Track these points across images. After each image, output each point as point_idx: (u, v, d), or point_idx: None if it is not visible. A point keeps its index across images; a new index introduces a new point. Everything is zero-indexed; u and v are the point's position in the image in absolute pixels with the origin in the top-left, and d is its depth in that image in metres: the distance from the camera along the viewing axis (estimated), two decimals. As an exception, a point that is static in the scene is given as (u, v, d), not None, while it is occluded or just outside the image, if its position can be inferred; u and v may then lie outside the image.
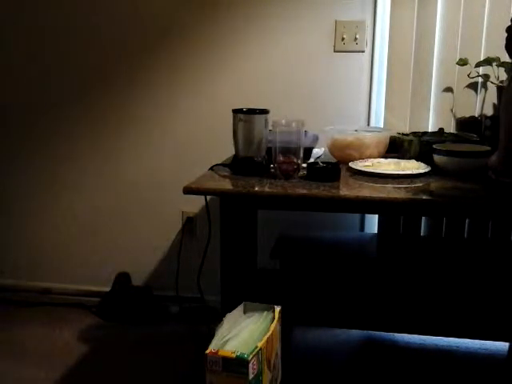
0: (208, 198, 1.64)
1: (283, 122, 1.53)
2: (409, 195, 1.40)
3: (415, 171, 1.57)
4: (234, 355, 1.03)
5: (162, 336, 2.17)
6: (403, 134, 1.85)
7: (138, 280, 2.38)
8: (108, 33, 2.23)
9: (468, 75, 1.95)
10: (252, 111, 1.58)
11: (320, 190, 1.42)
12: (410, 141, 1.76)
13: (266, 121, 1.59)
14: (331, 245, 2.01)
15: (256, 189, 1.45)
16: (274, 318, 1.18)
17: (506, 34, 1.42)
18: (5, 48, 2.32)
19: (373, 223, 2.17)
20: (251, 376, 1.04)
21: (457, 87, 2.01)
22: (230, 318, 1.17)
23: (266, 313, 1.21)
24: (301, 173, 1.53)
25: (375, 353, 2.04)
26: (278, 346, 1.19)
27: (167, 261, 2.33)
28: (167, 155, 2.27)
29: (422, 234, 2.09)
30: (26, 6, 2.26)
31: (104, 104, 2.29)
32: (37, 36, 2.28)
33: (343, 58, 2.07)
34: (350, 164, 1.64)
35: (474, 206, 1.42)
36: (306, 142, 1.63)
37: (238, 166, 1.62)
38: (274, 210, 1.61)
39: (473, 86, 2.00)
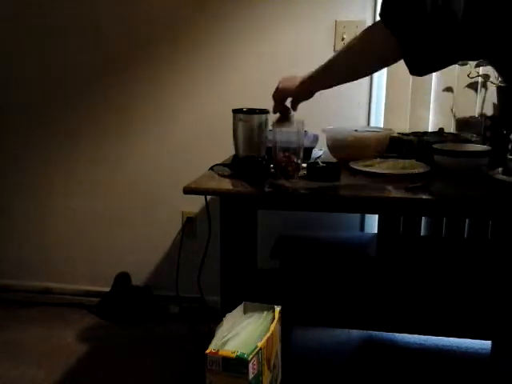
0: (208, 197, 1.64)
1: (283, 121, 1.53)
2: (409, 195, 1.40)
3: (415, 171, 1.57)
4: (233, 355, 1.03)
5: (162, 336, 2.17)
6: (403, 134, 1.85)
7: (138, 280, 2.38)
8: (108, 33, 2.23)
9: (468, 75, 1.95)
10: (252, 111, 1.58)
11: (320, 190, 1.42)
12: (410, 141, 1.76)
13: (266, 121, 1.59)
14: (331, 245, 2.01)
15: (256, 189, 1.45)
16: (274, 318, 1.18)
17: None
18: (5, 48, 2.32)
19: (373, 223, 2.17)
20: (251, 376, 1.04)
21: (457, 87, 2.01)
22: (229, 318, 1.17)
23: (265, 313, 1.21)
24: (301, 173, 1.53)
25: (375, 353, 2.04)
26: (278, 346, 1.19)
27: (167, 261, 2.33)
28: (167, 155, 2.27)
29: (422, 234, 2.09)
30: (26, 6, 2.26)
31: (104, 104, 2.29)
32: (37, 36, 2.28)
33: (343, 58, 2.06)
34: (350, 164, 1.64)
35: (474, 206, 1.42)
36: (306, 142, 1.63)
37: (238, 165, 1.62)
38: (274, 210, 1.61)
39: (473, 86, 2.00)
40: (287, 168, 1.51)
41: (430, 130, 2.03)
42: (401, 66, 1.18)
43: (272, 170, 1.57)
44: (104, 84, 2.27)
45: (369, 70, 1.43)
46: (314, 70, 1.38)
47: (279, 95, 1.50)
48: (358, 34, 1.26)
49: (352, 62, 1.30)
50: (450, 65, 1.19)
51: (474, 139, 1.76)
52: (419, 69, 1.18)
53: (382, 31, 1.14)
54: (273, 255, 1.91)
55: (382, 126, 2.08)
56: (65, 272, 2.45)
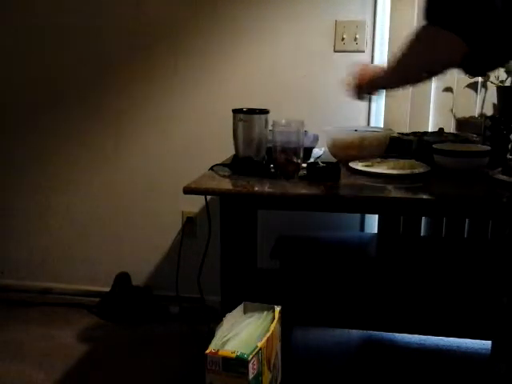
0: (208, 197, 1.64)
1: (283, 121, 1.53)
2: (409, 195, 1.40)
3: (415, 171, 1.57)
4: (233, 355, 1.03)
5: (162, 336, 2.17)
6: (403, 134, 1.85)
7: (138, 280, 2.38)
8: (108, 33, 2.23)
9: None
10: (252, 111, 1.58)
11: (320, 190, 1.42)
12: (410, 141, 1.76)
13: (266, 121, 1.59)
14: (331, 245, 2.01)
15: (256, 189, 1.45)
16: (274, 318, 1.18)
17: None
18: (5, 48, 2.32)
19: (373, 223, 2.17)
20: (251, 376, 1.04)
21: (457, 87, 2.01)
22: (229, 318, 1.17)
23: (266, 313, 1.21)
24: (301, 173, 1.53)
25: (375, 353, 2.04)
26: (278, 346, 1.19)
27: (167, 261, 2.33)
28: (167, 155, 2.27)
29: (422, 234, 2.09)
30: (26, 5, 2.26)
31: (104, 104, 2.29)
32: (37, 36, 2.28)
33: (343, 58, 2.07)
34: (350, 164, 1.64)
35: (474, 206, 1.42)
36: (306, 142, 1.63)
37: (238, 165, 1.62)
38: (274, 210, 1.61)
39: (473, 86, 2.00)
40: (287, 168, 1.51)
41: (430, 130, 2.03)
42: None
43: (272, 170, 1.57)
44: (104, 84, 2.27)
45: (420, 81, 1.38)
46: (385, 66, 1.37)
47: (357, 89, 1.55)
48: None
49: (406, 74, 1.25)
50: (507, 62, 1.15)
51: (474, 139, 1.76)
52: (480, 69, 1.11)
53: (442, 34, 1.04)
54: (273, 255, 1.91)
55: (381, 125, 2.08)
56: (65, 272, 2.45)
